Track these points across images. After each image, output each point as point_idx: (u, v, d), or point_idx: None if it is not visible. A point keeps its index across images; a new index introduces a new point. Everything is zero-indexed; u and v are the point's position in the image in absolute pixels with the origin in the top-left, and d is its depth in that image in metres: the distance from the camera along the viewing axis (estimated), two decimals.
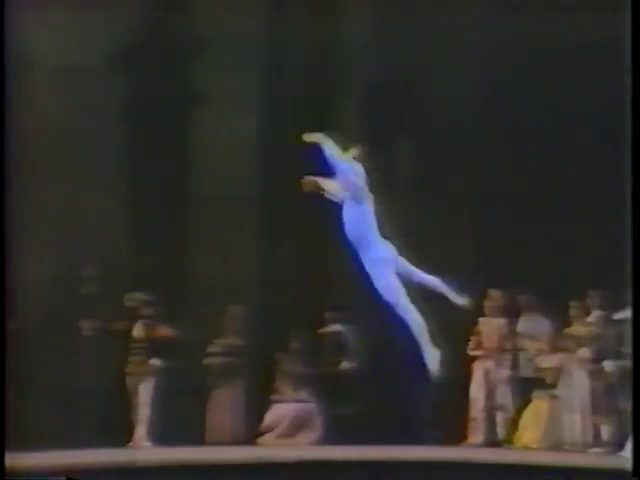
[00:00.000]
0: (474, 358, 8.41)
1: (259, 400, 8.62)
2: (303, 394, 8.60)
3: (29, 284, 8.78)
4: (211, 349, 8.72)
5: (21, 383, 8.61)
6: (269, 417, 8.51)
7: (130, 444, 8.05)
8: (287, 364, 8.64)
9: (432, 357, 5.90)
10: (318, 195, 9.56)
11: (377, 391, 8.93)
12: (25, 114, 8.92)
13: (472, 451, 7.83)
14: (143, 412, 8.14)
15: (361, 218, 6.05)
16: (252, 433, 8.49)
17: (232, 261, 9.20)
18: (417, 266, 8.17)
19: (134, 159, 9.45)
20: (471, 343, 8.41)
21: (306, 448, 8.13)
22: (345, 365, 8.75)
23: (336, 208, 9.34)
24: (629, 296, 7.65)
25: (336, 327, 8.90)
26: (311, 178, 6.15)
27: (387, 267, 6.01)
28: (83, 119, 9.10)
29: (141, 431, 8.12)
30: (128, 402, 8.23)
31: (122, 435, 8.05)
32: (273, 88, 9.58)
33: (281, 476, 6.67)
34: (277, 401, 8.59)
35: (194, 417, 8.49)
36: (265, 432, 8.47)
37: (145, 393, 8.17)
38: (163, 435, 8.04)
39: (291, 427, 8.44)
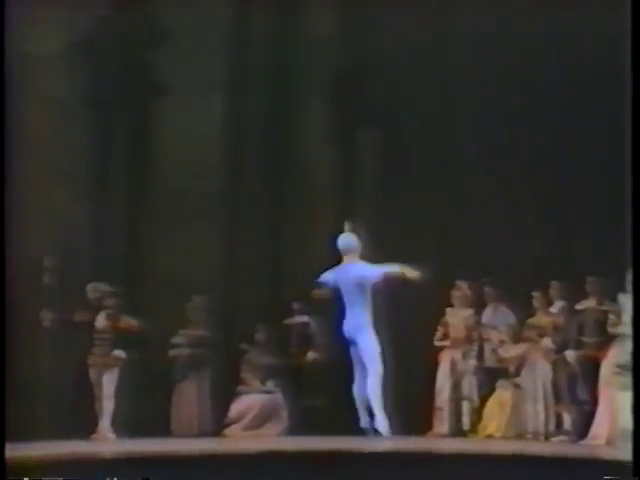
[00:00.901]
0: (441, 348, 8.69)
1: (225, 391, 8.79)
2: (269, 385, 8.79)
3: None
4: (176, 340, 8.89)
5: None
6: (235, 408, 8.68)
7: (94, 436, 8.20)
8: (253, 355, 8.82)
9: (381, 423, 6.72)
10: (282, 187, 9.86)
11: (344, 382, 9.17)
12: None
13: (437, 441, 8.11)
14: (107, 404, 8.28)
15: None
16: (218, 425, 8.65)
17: (197, 252, 9.38)
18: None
19: (97, 151, 9.57)
20: (438, 333, 8.67)
21: (273, 439, 8.28)
22: (311, 356, 8.97)
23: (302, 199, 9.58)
24: (593, 287, 8.01)
25: (302, 318, 9.11)
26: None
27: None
28: (45, 108, 9.21)
29: (105, 423, 8.26)
30: (92, 394, 8.37)
31: (86, 427, 8.20)
32: (238, 80, 9.72)
33: (247, 468, 6.64)
34: (243, 392, 8.76)
35: (159, 409, 8.66)
36: (231, 423, 8.64)
37: (109, 385, 8.30)
38: (128, 427, 8.17)
39: (257, 418, 8.62)
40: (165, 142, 9.54)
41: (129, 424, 8.20)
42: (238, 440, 8.30)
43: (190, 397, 8.79)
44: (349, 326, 6.91)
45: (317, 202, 9.73)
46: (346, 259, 6.94)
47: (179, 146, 9.41)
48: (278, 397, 8.75)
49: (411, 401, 8.23)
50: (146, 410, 8.37)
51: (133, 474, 6.34)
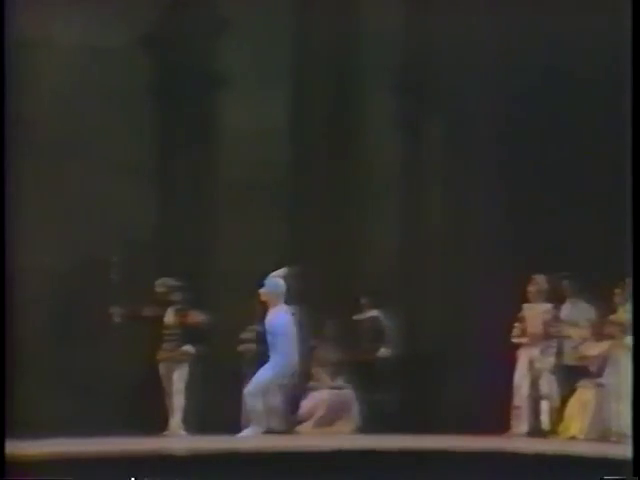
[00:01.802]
0: (518, 345, 8.61)
1: (295, 387, 8.67)
2: (340, 381, 8.82)
3: (57, 270, 9.12)
4: (244, 335, 8.89)
5: (53, 371, 8.98)
6: (305, 405, 8.73)
7: (166, 433, 8.31)
8: (322, 351, 8.85)
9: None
10: (349, 178, 9.87)
11: (415, 378, 9.19)
12: (45, 97, 9.21)
13: (516, 441, 8.06)
14: (178, 400, 8.36)
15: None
16: (288, 421, 8.64)
17: (263, 245, 9.43)
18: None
19: (160, 143, 9.66)
20: (515, 330, 8.59)
21: (344, 437, 8.32)
22: (383, 352, 8.95)
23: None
24: None
25: (372, 313, 9.10)
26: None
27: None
28: (107, 101, 9.31)
29: (176, 419, 8.36)
30: (162, 390, 8.48)
31: (157, 423, 8.32)
32: (301, 70, 9.77)
33: (318, 465, 6.65)
34: (313, 388, 8.81)
35: (229, 405, 8.66)
36: (302, 420, 8.70)
37: (179, 381, 8.39)
38: (198, 423, 8.28)
39: (328, 415, 8.66)
40: (229, 134, 9.57)
41: (200, 420, 8.29)
42: (309, 437, 8.36)
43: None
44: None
45: (384, 194, 9.71)
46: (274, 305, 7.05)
47: (243, 138, 9.44)
48: (349, 394, 8.76)
49: (488, 399, 8.22)
50: (216, 406, 8.41)
51: (204, 472, 6.46)
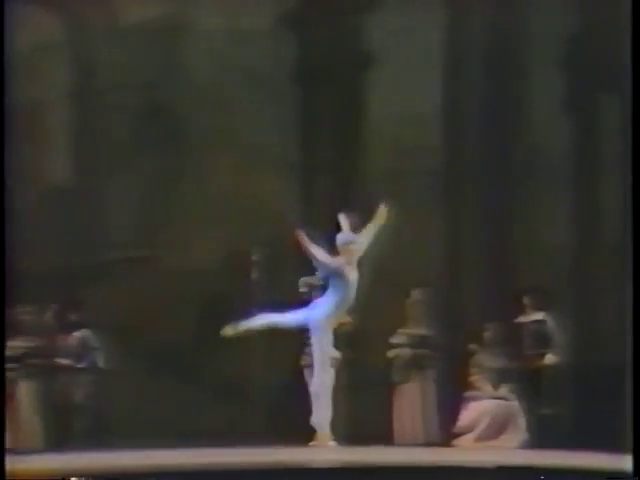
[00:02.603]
0: None
1: (452, 397, 8.52)
2: (503, 391, 8.42)
3: (198, 270, 9.06)
4: (395, 339, 8.72)
5: (191, 376, 8.90)
6: (466, 416, 8.37)
7: (313, 443, 8.01)
8: (483, 357, 8.50)
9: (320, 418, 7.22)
10: (509, 164, 9.42)
11: (588, 388, 8.66)
12: (190, 85, 9.19)
13: None
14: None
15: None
16: (445, 433, 8.42)
17: (415, 239, 9.11)
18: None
19: (303, 131, 9.49)
20: None
21: (509, 452, 7.96)
22: (550, 359, 8.50)
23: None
24: None
25: (538, 315, 8.66)
26: (302, 234, 7.16)
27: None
28: (252, 89, 9.25)
29: (324, 429, 8.10)
30: (308, 398, 8.30)
31: (304, 433, 8.13)
32: (458, 47, 9.42)
33: None
34: (473, 398, 8.45)
35: (380, 415, 8.49)
36: (462, 433, 8.35)
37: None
38: (347, 434, 8.00)
39: (492, 428, 8.28)
40: (380, 119, 9.31)
41: (349, 431, 8.00)
42: (470, 452, 8.01)
43: (413, 402, 8.60)
44: None
45: (551, 180, 9.22)
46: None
47: (395, 123, 9.21)
48: (514, 404, 8.36)
49: None
50: (366, 416, 8.18)
51: None
